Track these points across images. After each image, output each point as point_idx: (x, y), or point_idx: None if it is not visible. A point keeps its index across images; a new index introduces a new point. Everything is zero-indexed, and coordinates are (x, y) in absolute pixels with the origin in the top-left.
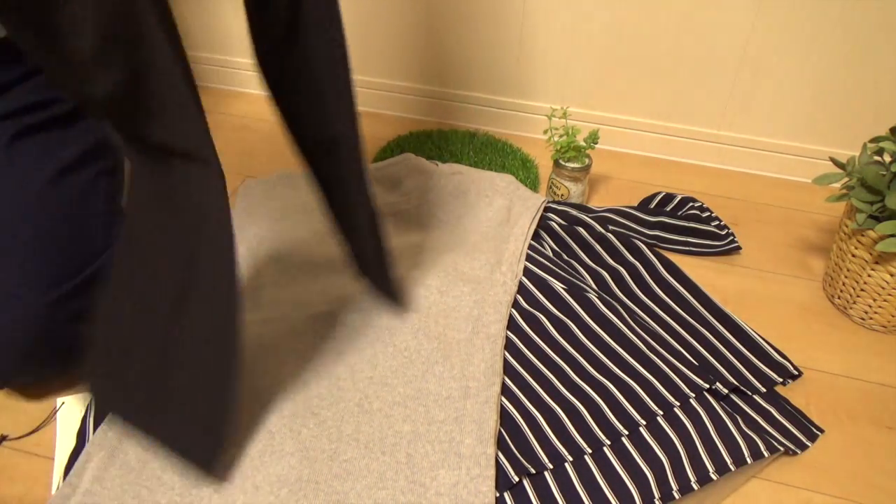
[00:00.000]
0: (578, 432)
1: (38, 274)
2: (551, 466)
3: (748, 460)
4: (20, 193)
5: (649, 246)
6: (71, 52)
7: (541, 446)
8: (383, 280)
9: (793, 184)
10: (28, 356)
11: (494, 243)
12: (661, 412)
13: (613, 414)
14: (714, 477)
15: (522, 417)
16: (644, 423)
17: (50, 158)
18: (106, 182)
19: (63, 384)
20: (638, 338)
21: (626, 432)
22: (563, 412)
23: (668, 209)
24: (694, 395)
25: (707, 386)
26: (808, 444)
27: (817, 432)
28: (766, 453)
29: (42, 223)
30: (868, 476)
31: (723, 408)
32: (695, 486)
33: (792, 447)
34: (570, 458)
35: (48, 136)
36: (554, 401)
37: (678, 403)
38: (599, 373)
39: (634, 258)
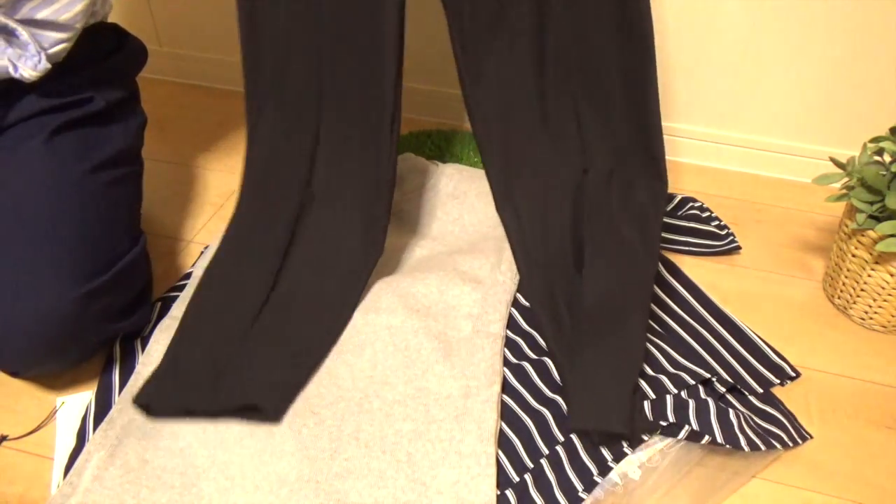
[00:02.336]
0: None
1: (71, 266)
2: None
3: (744, 448)
4: (57, 186)
5: None
6: None
7: (545, 443)
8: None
9: (793, 184)
10: (54, 347)
11: (494, 243)
12: None
13: None
14: (706, 440)
15: (527, 415)
16: None
17: (86, 155)
18: (134, 185)
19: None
20: None
21: None
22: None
23: (668, 209)
24: (693, 383)
25: (706, 375)
26: (798, 441)
27: (807, 436)
28: (762, 447)
29: (77, 217)
30: (868, 476)
31: (720, 404)
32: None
33: (785, 438)
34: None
35: (85, 134)
36: (557, 395)
37: (676, 391)
38: None
39: None
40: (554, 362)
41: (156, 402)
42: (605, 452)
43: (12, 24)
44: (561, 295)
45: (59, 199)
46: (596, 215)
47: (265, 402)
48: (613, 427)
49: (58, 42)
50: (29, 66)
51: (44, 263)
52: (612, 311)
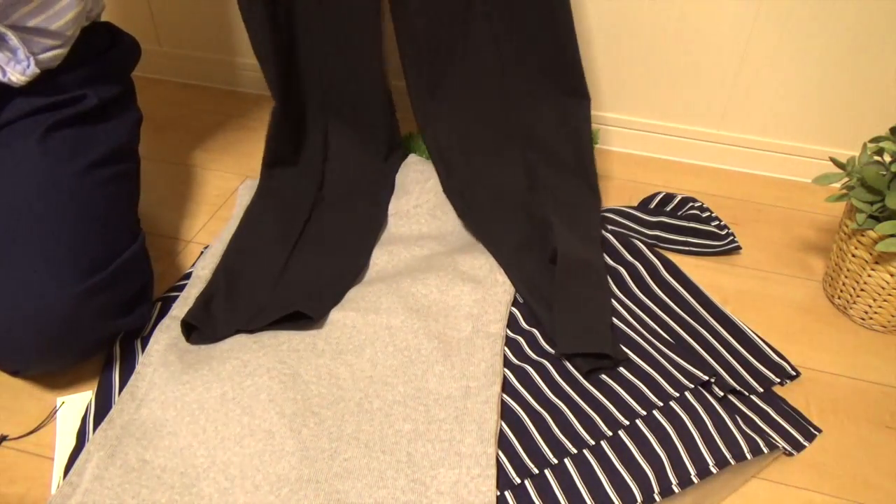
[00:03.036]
0: (582, 426)
1: (69, 263)
2: (556, 462)
3: (747, 455)
4: (52, 184)
5: (649, 246)
6: None
7: (546, 443)
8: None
9: (793, 184)
10: (54, 344)
11: None
12: (661, 403)
13: (614, 406)
14: (714, 470)
15: (527, 415)
16: (644, 413)
17: (81, 153)
18: (131, 182)
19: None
20: (636, 334)
21: (627, 422)
22: (568, 408)
23: (668, 209)
24: (693, 386)
25: (705, 377)
26: (805, 444)
27: (815, 432)
28: (764, 449)
29: (74, 214)
30: (868, 476)
31: (721, 405)
32: (694, 480)
33: (789, 448)
34: (575, 451)
35: (79, 132)
36: (558, 397)
37: (677, 395)
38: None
39: (634, 258)
40: (531, 312)
41: (203, 323)
42: (609, 451)
43: (2, 29)
44: (528, 262)
45: (56, 197)
46: (543, 197)
47: (308, 308)
48: (600, 348)
49: (49, 48)
50: (17, 71)
51: (42, 261)
52: (576, 264)
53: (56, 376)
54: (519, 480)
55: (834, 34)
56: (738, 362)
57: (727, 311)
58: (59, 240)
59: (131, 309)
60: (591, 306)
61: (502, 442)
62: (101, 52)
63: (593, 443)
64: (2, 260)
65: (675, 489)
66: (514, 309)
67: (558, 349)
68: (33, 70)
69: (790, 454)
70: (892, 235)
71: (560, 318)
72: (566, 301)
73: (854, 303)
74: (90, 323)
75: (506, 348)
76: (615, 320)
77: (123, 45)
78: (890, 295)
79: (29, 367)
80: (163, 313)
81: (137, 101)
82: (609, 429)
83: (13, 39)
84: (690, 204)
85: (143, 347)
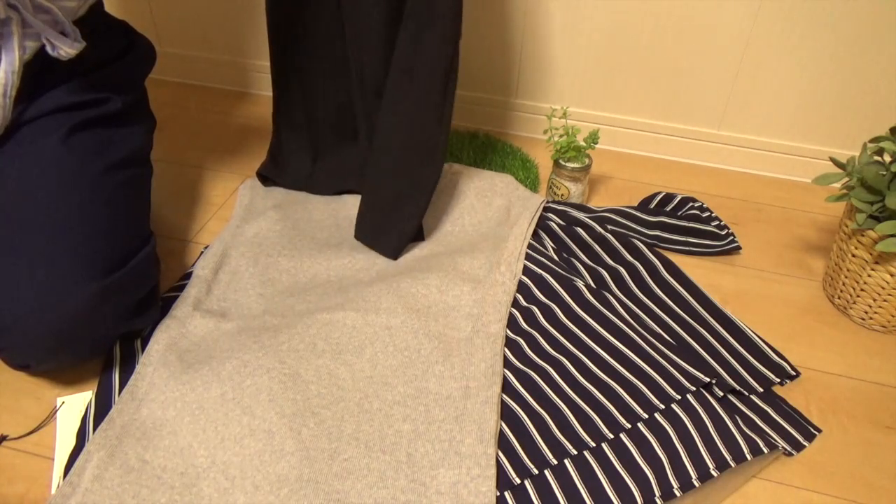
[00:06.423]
0: (582, 427)
1: (88, 261)
2: (555, 462)
3: (747, 456)
4: (75, 181)
5: (649, 246)
6: None
7: (546, 444)
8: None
9: (793, 184)
10: (68, 341)
11: (493, 243)
12: (662, 406)
13: (615, 408)
14: (714, 474)
15: (527, 415)
16: (646, 416)
17: (102, 153)
18: (145, 186)
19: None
20: (637, 335)
21: (629, 425)
22: (568, 409)
23: (668, 209)
24: (694, 389)
25: (707, 379)
26: (805, 444)
27: (815, 432)
28: (765, 450)
29: (93, 214)
30: (868, 476)
31: (721, 406)
32: (696, 483)
33: (789, 448)
34: (575, 452)
35: (101, 133)
36: (559, 397)
37: (678, 397)
38: (600, 369)
39: (634, 258)
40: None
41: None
42: (609, 453)
43: (48, 4)
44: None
45: (78, 194)
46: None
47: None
48: (386, 254)
49: (73, 12)
50: (66, 45)
51: (62, 257)
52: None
53: (56, 376)
54: (519, 481)
55: (833, 34)
56: (738, 362)
57: (727, 311)
58: (78, 238)
59: (142, 310)
60: (402, 212)
61: (502, 442)
62: (121, 54)
63: (594, 445)
64: (22, 253)
65: (677, 493)
66: (513, 310)
67: (355, 234)
68: (80, 43)
69: (790, 454)
70: (892, 235)
71: (366, 208)
72: (375, 194)
73: (854, 303)
74: (104, 321)
75: (506, 349)
76: (615, 319)
77: (141, 48)
78: (890, 295)
79: (41, 362)
80: (163, 313)
81: (150, 107)
82: (610, 431)
83: (58, 13)
84: (690, 204)
85: (143, 347)
